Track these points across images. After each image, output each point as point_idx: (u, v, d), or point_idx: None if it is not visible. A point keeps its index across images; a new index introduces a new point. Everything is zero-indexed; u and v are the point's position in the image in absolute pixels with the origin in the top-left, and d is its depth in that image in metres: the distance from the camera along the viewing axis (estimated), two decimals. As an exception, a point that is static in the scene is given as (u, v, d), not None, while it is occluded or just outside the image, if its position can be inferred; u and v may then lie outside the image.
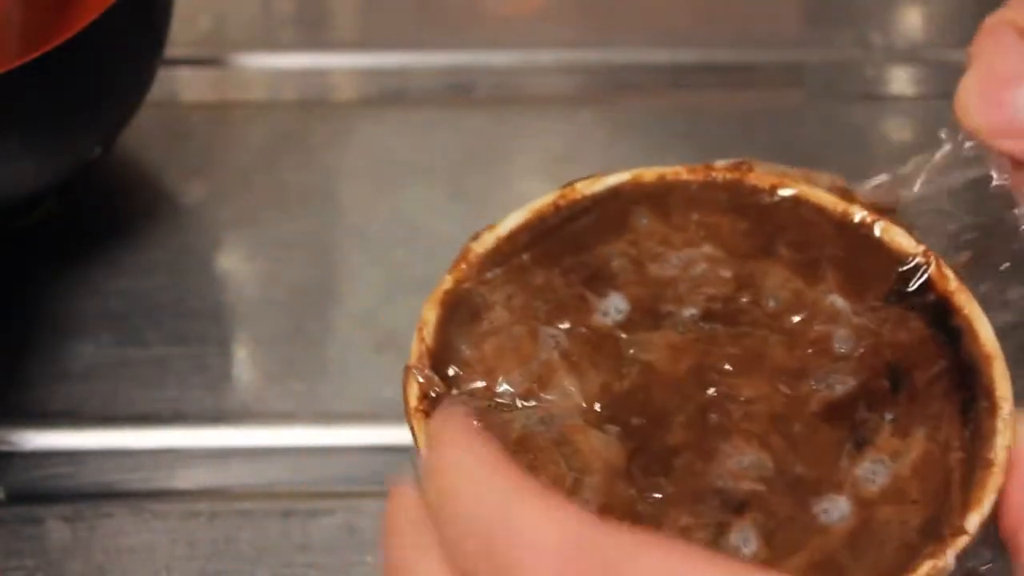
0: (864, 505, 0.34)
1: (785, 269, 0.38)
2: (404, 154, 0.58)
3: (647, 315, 0.38)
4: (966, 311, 0.35)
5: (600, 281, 0.38)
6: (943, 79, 0.63)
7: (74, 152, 0.51)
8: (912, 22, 0.67)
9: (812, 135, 0.59)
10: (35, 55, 0.44)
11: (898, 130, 0.61)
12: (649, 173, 0.39)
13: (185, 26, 0.60)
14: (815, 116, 0.60)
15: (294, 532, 0.44)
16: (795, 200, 0.38)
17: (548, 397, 0.36)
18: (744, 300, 0.38)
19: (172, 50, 0.53)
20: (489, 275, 0.37)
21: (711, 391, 0.36)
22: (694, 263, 0.39)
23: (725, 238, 0.39)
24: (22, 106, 0.46)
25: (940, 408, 0.34)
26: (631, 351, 0.37)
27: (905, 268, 0.36)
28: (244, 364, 0.51)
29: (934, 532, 0.32)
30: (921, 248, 0.36)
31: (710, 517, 0.34)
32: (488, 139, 0.59)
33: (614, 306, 0.38)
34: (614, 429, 0.35)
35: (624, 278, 0.38)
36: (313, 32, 0.66)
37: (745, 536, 0.34)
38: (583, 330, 0.37)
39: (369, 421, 0.47)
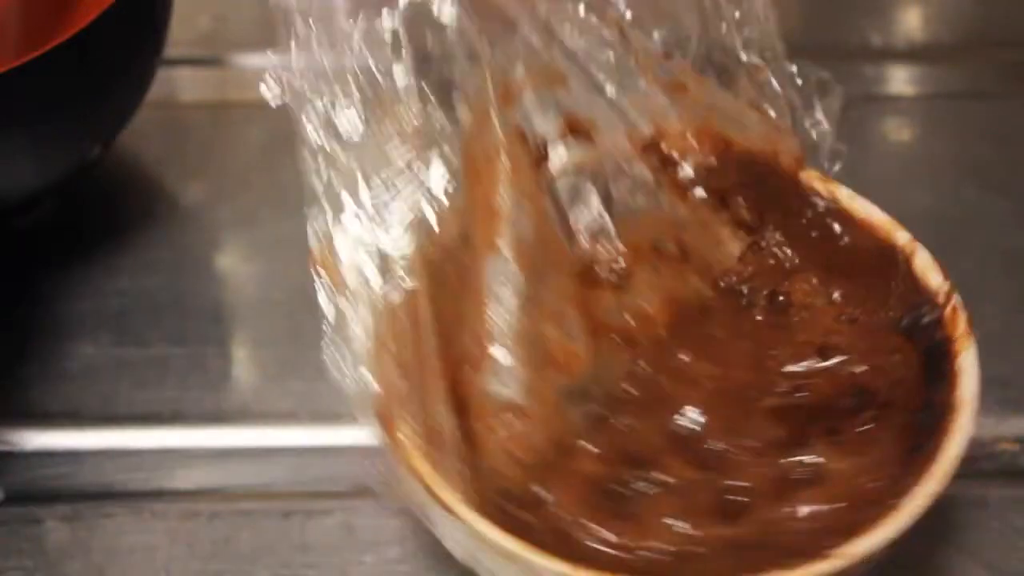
0: (763, 500, 0.34)
1: (809, 272, 0.38)
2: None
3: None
4: (959, 359, 0.34)
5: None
6: (943, 79, 0.63)
7: (74, 152, 0.51)
8: (912, 22, 0.67)
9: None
10: (35, 55, 0.44)
11: (898, 130, 0.61)
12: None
13: (185, 26, 0.60)
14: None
15: (293, 532, 0.44)
16: (844, 215, 0.38)
17: None
18: (755, 284, 0.38)
19: (172, 50, 0.53)
20: None
21: (681, 356, 0.37)
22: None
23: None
24: (22, 106, 0.46)
25: (885, 451, 0.34)
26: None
27: (925, 302, 0.36)
28: (244, 364, 0.51)
29: (813, 549, 0.32)
30: (946, 286, 0.35)
31: (622, 459, 0.35)
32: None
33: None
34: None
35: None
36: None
37: (646, 487, 0.35)
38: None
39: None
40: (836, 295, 0.37)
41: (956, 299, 0.34)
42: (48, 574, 0.43)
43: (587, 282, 0.39)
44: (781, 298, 0.38)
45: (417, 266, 0.37)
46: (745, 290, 0.38)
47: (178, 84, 0.62)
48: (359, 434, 0.48)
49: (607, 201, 0.40)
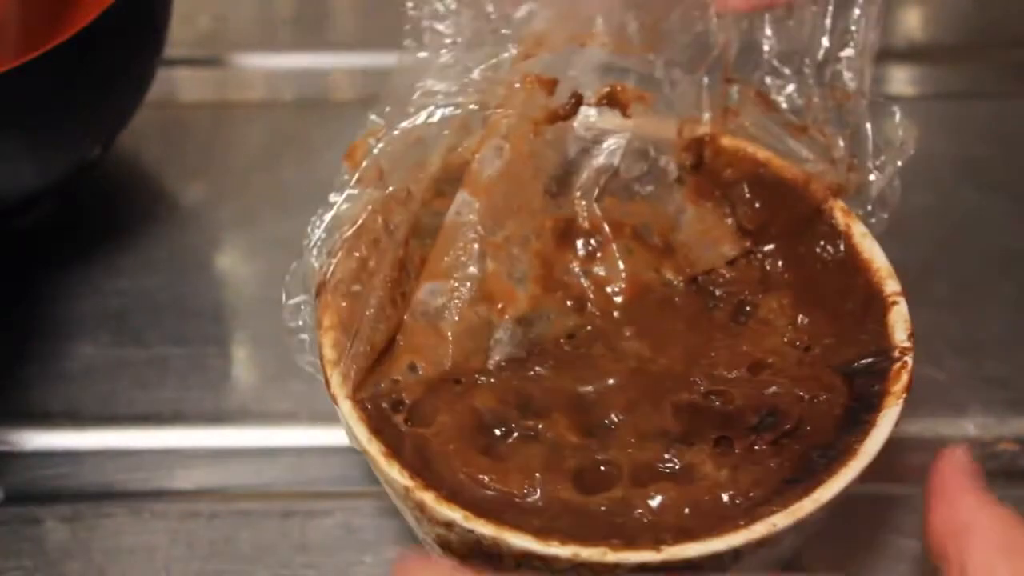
0: (624, 480, 0.34)
1: (785, 296, 0.38)
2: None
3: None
4: (882, 414, 0.34)
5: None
6: (943, 79, 0.63)
7: (74, 152, 0.51)
8: (912, 22, 0.67)
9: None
10: (35, 55, 0.44)
11: (898, 130, 0.61)
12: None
13: (185, 26, 0.60)
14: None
15: (293, 532, 0.44)
16: (847, 250, 0.38)
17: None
18: (731, 290, 0.39)
19: (172, 50, 0.53)
20: None
21: (625, 331, 0.37)
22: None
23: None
24: (22, 106, 0.46)
25: (762, 475, 0.35)
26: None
27: (880, 352, 0.36)
28: (244, 364, 0.51)
29: (643, 539, 0.32)
30: (906, 344, 0.35)
31: (517, 404, 0.36)
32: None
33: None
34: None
35: None
36: (313, 32, 0.66)
37: (525, 435, 0.36)
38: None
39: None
40: (801, 321, 0.37)
41: (910, 358, 0.34)
42: (48, 574, 0.43)
43: (559, 239, 0.39)
44: (748, 308, 0.38)
45: (423, 176, 0.39)
46: (718, 292, 0.39)
47: (178, 84, 0.62)
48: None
49: (613, 175, 0.40)
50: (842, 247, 0.38)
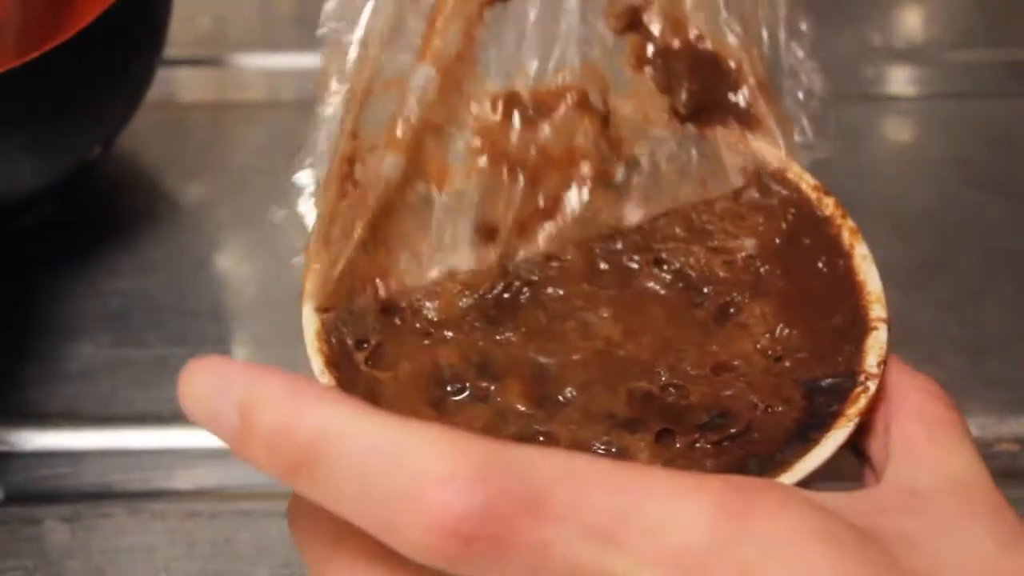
0: None
1: (770, 304, 0.38)
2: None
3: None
4: (829, 434, 0.34)
5: None
6: (943, 79, 0.63)
7: (74, 152, 0.51)
8: (912, 22, 0.67)
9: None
10: (35, 55, 0.44)
11: (898, 130, 0.61)
12: None
13: (185, 26, 0.60)
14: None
15: (294, 532, 0.44)
16: (845, 270, 0.38)
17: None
18: (719, 289, 0.39)
19: (171, 50, 0.53)
20: None
21: (602, 311, 0.38)
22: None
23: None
24: (22, 106, 0.46)
25: (696, 471, 0.35)
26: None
27: (847, 374, 0.35)
28: (244, 364, 0.51)
29: None
30: (875, 371, 0.35)
31: (477, 364, 0.37)
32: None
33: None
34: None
35: None
36: (313, 32, 0.66)
37: (475, 396, 0.36)
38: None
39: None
40: (780, 331, 0.38)
41: (873, 384, 0.34)
42: (48, 574, 0.43)
43: (501, 113, 0.40)
44: (731, 311, 0.38)
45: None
46: (706, 290, 0.39)
47: (178, 84, 0.62)
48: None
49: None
50: (841, 265, 0.38)
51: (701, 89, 0.41)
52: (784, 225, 0.40)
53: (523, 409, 0.36)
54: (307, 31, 0.66)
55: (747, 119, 0.41)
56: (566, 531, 0.24)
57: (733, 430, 0.35)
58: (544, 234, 0.40)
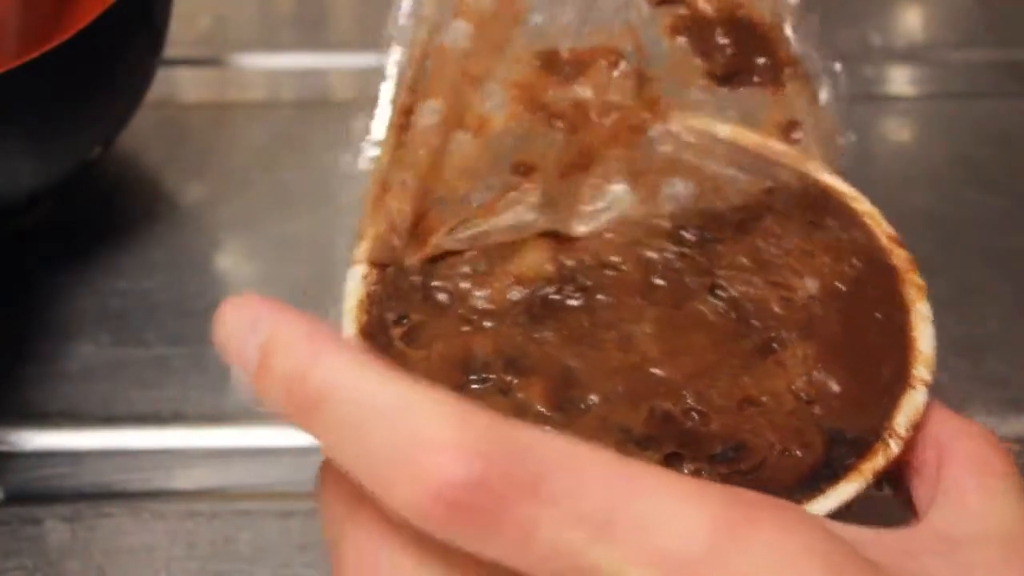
0: None
1: (815, 347, 0.38)
2: (404, 154, 0.58)
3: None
4: (837, 486, 0.33)
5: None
6: (943, 79, 0.63)
7: (74, 152, 0.51)
8: (912, 22, 0.67)
9: (812, 135, 0.59)
10: (35, 55, 0.44)
11: (898, 130, 0.61)
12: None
13: (185, 26, 0.60)
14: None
15: (293, 532, 0.44)
16: (901, 324, 0.38)
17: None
18: (769, 324, 0.38)
19: (171, 50, 0.53)
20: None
21: (645, 326, 0.38)
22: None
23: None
24: (22, 106, 0.46)
25: None
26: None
27: (874, 428, 0.35)
28: (244, 364, 0.51)
29: None
30: (902, 432, 0.34)
31: (507, 361, 0.37)
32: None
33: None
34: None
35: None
36: (313, 32, 0.66)
37: (495, 389, 0.36)
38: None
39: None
40: (817, 376, 0.37)
41: (895, 445, 0.34)
42: (48, 574, 0.43)
43: (539, 70, 0.40)
44: (775, 347, 0.38)
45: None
46: (755, 323, 0.38)
47: (178, 84, 0.62)
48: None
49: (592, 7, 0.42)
50: (897, 320, 0.37)
51: (737, 53, 0.41)
52: (851, 271, 0.39)
53: (542, 409, 0.36)
54: (307, 31, 0.66)
55: (779, 80, 0.41)
56: (557, 515, 0.24)
57: (743, 466, 0.34)
58: (588, 186, 0.40)
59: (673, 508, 0.25)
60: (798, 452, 0.35)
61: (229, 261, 0.55)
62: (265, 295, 0.56)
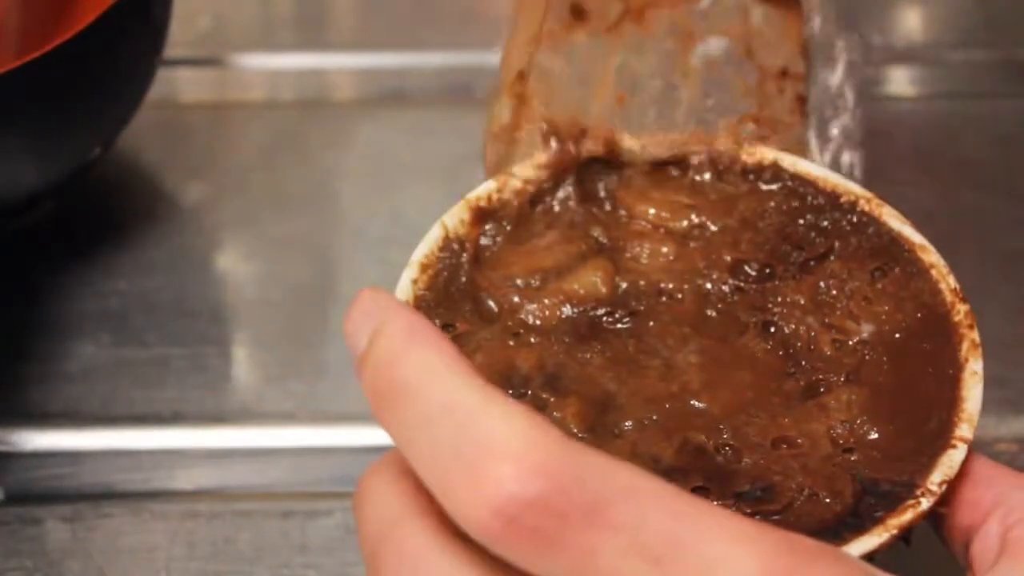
0: None
1: (860, 394, 0.37)
2: (403, 154, 0.58)
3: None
4: (857, 540, 0.33)
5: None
6: (943, 79, 0.63)
7: (74, 152, 0.51)
8: (912, 22, 0.67)
9: (812, 135, 0.59)
10: (35, 55, 0.44)
11: (898, 130, 0.61)
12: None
13: (185, 26, 0.60)
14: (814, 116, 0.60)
15: (293, 533, 0.44)
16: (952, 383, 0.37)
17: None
18: (818, 367, 0.38)
19: (172, 50, 0.53)
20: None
21: (690, 355, 0.38)
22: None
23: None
24: (22, 106, 0.46)
25: None
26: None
27: (908, 484, 0.35)
28: (244, 364, 0.51)
29: None
30: (936, 488, 0.34)
31: (548, 379, 0.37)
32: (488, 139, 0.59)
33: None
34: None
35: None
36: (312, 32, 0.66)
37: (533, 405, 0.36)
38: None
39: (369, 421, 0.47)
40: (860, 424, 0.37)
41: (926, 502, 0.33)
42: (48, 574, 0.43)
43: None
44: (821, 389, 0.37)
45: None
46: (804, 363, 0.38)
47: (178, 84, 0.62)
48: (359, 434, 0.48)
49: None
50: (949, 375, 0.37)
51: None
52: (909, 321, 0.38)
53: (574, 430, 0.35)
54: (307, 31, 0.66)
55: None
56: (617, 543, 0.24)
57: (768, 507, 0.34)
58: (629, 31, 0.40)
59: (728, 549, 0.25)
60: (827, 498, 0.34)
61: (229, 261, 0.55)
62: (265, 295, 0.56)
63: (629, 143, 0.41)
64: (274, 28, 0.66)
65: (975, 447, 0.35)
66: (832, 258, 0.39)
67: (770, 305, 0.39)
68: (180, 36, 0.55)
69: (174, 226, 0.55)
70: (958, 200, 0.55)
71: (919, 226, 0.40)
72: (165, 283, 0.53)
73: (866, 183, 0.42)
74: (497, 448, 0.24)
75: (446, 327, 0.37)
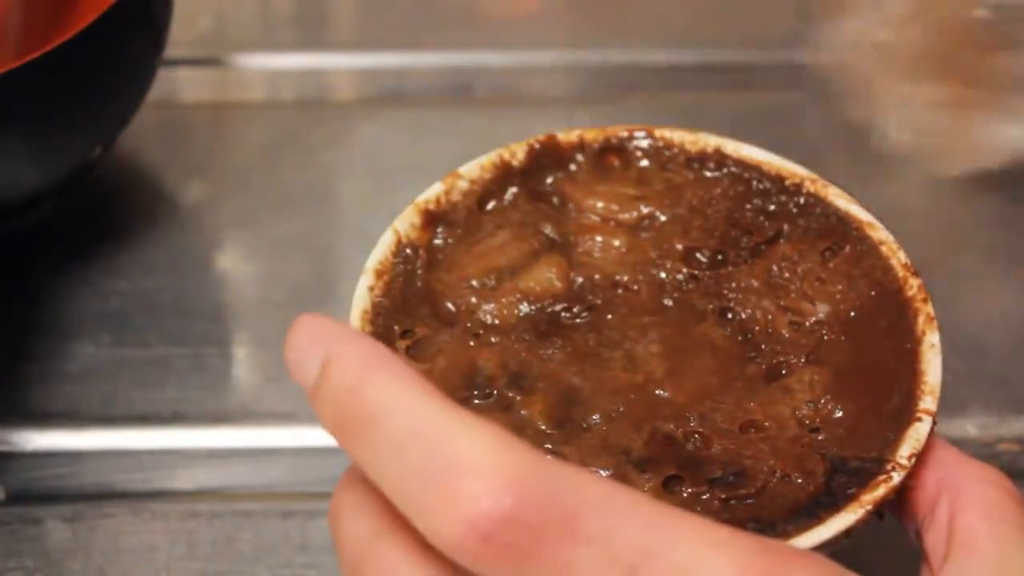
0: None
1: (823, 374, 0.37)
2: (403, 154, 0.58)
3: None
4: (834, 518, 0.33)
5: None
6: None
7: (74, 152, 0.51)
8: (912, 22, 0.67)
9: (812, 135, 0.59)
10: (35, 55, 0.44)
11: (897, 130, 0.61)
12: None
13: (185, 26, 0.60)
14: (814, 116, 0.60)
15: (293, 533, 0.44)
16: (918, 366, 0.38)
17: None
18: (781, 349, 0.38)
19: (172, 50, 0.53)
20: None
21: (651, 345, 0.38)
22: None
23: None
24: (22, 106, 0.46)
25: None
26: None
27: (878, 460, 0.35)
28: (244, 364, 0.51)
29: None
30: (905, 462, 0.34)
31: (512, 377, 0.37)
32: (487, 139, 0.58)
33: None
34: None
35: None
36: (312, 32, 0.66)
37: (498, 404, 0.36)
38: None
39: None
40: (824, 403, 0.37)
41: (897, 476, 0.34)
42: (48, 574, 0.43)
43: None
44: (783, 372, 0.38)
45: None
46: (764, 347, 0.38)
47: (178, 84, 0.62)
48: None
49: None
50: (907, 350, 0.37)
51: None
52: (863, 299, 0.38)
53: (542, 427, 0.36)
54: (307, 31, 0.66)
55: None
56: (591, 555, 0.24)
57: (743, 491, 0.34)
58: None
59: (702, 555, 0.25)
60: (799, 479, 0.34)
61: (229, 261, 0.55)
62: (265, 295, 0.56)
63: (563, 136, 0.41)
64: (274, 28, 0.66)
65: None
66: (782, 241, 0.40)
67: (725, 291, 0.39)
68: (180, 36, 0.55)
69: (174, 226, 0.55)
70: (958, 200, 0.55)
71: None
72: (165, 283, 0.53)
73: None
74: (467, 467, 0.24)
75: (405, 332, 0.37)
